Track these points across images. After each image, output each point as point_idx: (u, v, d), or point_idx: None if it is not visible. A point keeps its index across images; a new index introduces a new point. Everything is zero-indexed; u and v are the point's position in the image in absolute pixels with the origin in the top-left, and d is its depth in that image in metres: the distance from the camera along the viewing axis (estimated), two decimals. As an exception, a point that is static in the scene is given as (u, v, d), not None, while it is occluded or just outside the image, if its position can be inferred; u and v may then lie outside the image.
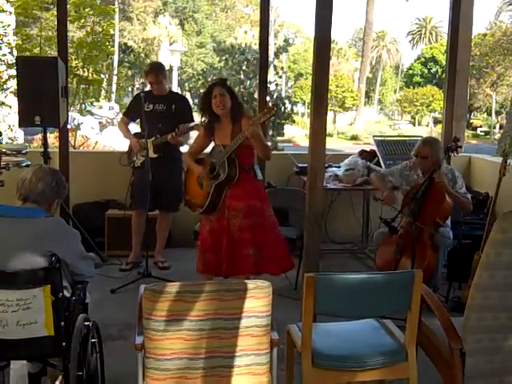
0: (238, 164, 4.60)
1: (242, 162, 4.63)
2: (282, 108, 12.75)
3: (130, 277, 5.58)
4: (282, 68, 14.92)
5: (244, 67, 13.22)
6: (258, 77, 7.21)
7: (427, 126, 43.36)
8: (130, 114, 6.14)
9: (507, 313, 2.90)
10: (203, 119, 4.83)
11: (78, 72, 9.27)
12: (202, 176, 4.78)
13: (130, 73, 39.86)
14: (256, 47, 13.75)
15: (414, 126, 44.67)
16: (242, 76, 13.18)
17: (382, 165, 6.30)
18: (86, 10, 9.67)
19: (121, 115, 7.19)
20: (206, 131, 4.83)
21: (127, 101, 7.50)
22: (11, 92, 8.98)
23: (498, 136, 31.22)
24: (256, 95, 12.46)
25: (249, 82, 13.01)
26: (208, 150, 4.98)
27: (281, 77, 14.84)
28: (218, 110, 4.64)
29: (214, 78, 13.38)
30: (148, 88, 6.33)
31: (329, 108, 4.94)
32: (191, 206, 4.99)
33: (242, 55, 13.17)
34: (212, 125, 4.77)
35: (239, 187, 4.63)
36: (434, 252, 4.81)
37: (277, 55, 12.81)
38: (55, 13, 6.68)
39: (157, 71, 5.91)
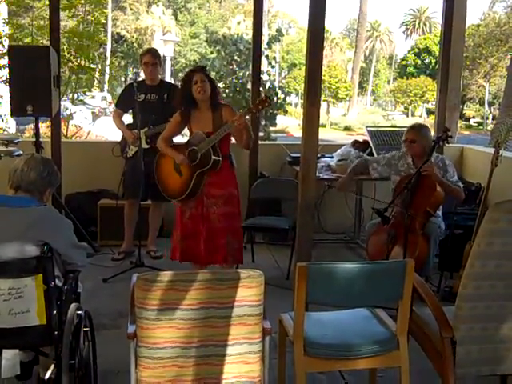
0: (220, 152, 4.64)
1: (221, 150, 4.66)
2: (275, 98, 12.73)
3: (123, 266, 5.58)
4: (275, 58, 14.85)
5: (236, 57, 13.19)
6: (250, 67, 7.20)
7: (420, 116, 43.40)
8: (122, 104, 6.11)
9: (498, 302, 2.92)
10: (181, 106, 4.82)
11: (70, 58, 9.22)
12: (186, 163, 4.75)
13: (122, 63, 39.77)
14: (248, 37, 13.70)
15: (408, 116, 44.70)
16: (234, 66, 13.14)
17: (375, 155, 6.31)
18: (79, -1, 9.63)
19: (113, 105, 7.18)
20: (182, 117, 4.83)
21: (120, 91, 7.48)
22: (3, 81, 8.94)
23: (490, 127, 31.25)
24: (248, 86, 12.44)
25: (241, 72, 12.98)
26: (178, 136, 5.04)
27: (273, 67, 14.81)
28: (199, 96, 4.65)
29: (207, 68, 13.31)
30: (140, 78, 6.32)
31: (322, 99, 4.95)
32: (167, 194, 5.00)
33: (234, 46, 13.14)
34: (189, 111, 4.78)
35: (218, 175, 4.66)
36: (426, 241, 4.83)
37: (269, 45, 12.76)
38: (47, 2, 6.64)
39: (154, 53, 5.98)
